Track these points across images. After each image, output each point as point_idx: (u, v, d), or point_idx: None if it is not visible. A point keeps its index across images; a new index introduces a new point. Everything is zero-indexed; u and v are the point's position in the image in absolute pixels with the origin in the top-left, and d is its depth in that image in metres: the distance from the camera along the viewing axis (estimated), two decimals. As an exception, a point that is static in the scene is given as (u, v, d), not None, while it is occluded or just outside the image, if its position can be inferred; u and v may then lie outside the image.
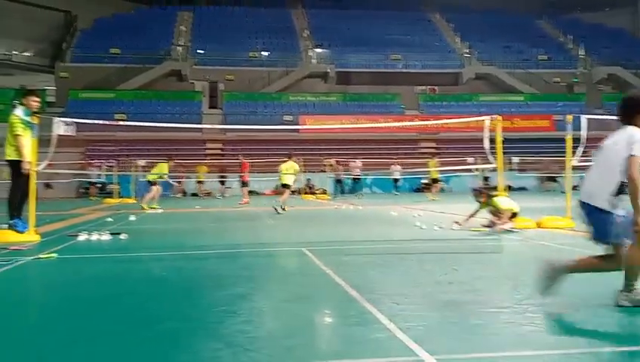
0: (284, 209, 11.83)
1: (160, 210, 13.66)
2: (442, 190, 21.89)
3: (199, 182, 23.18)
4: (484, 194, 8.03)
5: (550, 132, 29.99)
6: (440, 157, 23.89)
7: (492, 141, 8.22)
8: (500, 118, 8.17)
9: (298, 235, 7.57)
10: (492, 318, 3.05)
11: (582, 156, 8.17)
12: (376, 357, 2.40)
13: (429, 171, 19.31)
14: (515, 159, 18.84)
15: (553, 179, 24.18)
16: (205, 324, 2.99)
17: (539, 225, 7.87)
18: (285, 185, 12.85)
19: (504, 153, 8.52)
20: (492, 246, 6.41)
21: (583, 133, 8.08)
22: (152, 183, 15.30)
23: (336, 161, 23.02)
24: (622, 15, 42.49)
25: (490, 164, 8.25)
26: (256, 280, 4.32)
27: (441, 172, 19.51)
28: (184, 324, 2.99)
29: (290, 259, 5.32)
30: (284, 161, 13.21)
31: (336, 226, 9.20)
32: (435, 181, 19.49)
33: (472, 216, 8.02)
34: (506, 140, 8.82)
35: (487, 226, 7.88)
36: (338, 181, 22.71)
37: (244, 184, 18.19)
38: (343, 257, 5.44)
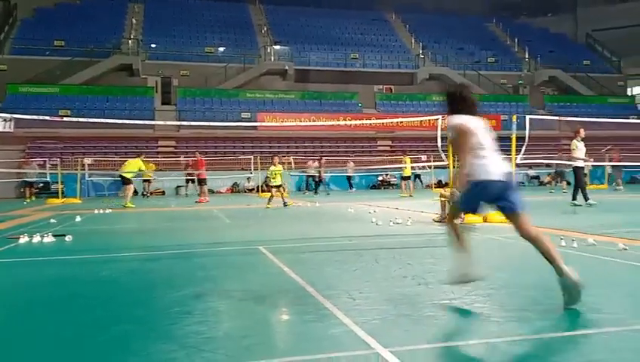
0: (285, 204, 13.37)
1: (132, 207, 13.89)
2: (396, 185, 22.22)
3: (146, 180, 22.37)
4: None
5: (497, 131, 30.99)
6: (397, 155, 24.29)
7: (444, 139, 8.43)
8: (451, 116, 8.39)
9: (255, 233, 7.51)
10: (442, 310, 3.14)
11: (525, 153, 8.56)
12: (333, 352, 2.43)
13: (403, 168, 19.62)
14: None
15: None
16: (158, 326, 2.94)
17: (485, 220, 8.16)
18: (275, 186, 13.95)
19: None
20: (443, 240, 6.56)
21: (527, 132, 8.46)
22: (126, 181, 15.02)
23: (320, 158, 22.87)
24: (564, 21, 44.59)
25: (442, 161, 8.46)
26: (211, 279, 4.26)
27: (395, 169, 19.90)
28: (136, 327, 2.92)
29: (247, 258, 5.27)
30: (271, 162, 14.31)
31: (294, 224, 9.20)
32: (406, 178, 19.75)
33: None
34: (457, 138, 9.09)
35: (439, 221, 8.16)
36: (311, 177, 22.64)
37: (201, 182, 17.88)
38: (300, 255, 5.45)
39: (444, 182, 25.08)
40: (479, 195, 3.38)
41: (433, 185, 24.40)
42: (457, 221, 3.66)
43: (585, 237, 5.76)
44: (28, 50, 29.88)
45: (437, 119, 8.67)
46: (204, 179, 17.84)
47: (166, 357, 2.41)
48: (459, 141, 3.41)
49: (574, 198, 11.13)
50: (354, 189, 23.50)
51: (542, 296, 3.45)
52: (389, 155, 27.85)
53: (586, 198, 11.04)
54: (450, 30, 39.78)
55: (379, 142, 30.88)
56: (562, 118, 12.62)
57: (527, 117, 8.73)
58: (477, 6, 44.06)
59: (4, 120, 6.75)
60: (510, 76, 37.10)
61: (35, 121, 9.52)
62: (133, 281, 4.35)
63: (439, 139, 8.38)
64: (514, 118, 8.41)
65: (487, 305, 3.24)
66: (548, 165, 21.89)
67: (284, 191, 14.30)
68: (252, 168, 22.78)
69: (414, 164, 21.62)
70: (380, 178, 28.07)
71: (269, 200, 13.59)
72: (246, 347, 2.54)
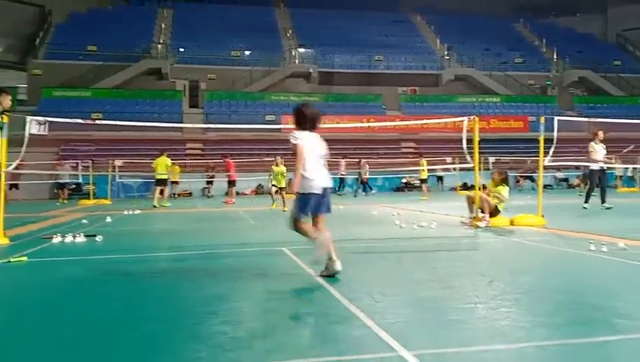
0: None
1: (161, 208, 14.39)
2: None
3: (174, 182, 22.80)
4: (504, 174, 8.34)
5: (524, 132, 30.61)
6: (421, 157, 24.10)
7: (469, 141, 8.35)
8: (477, 118, 8.31)
9: (278, 235, 7.55)
10: (468, 314, 3.10)
11: (553, 155, 8.42)
12: (356, 354, 2.43)
13: (419, 171, 19.46)
14: (491, 159, 19.16)
15: (531, 178, 24.71)
16: (184, 325, 2.97)
17: (512, 223, 8.05)
18: (282, 188, 13.54)
19: (481, 153, 8.67)
20: (468, 244, 6.51)
21: (555, 133, 8.32)
22: (161, 182, 15.49)
23: (359, 160, 22.72)
24: (592, 21, 43.60)
25: (468, 163, 8.37)
26: (235, 280, 4.31)
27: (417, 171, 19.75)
28: (163, 326, 2.97)
29: (271, 259, 5.31)
30: (275, 163, 13.89)
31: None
32: (423, 181, 19.56)
33: (473, 211, 8.25)
34: (482, 140, 9.00)
35: (465, 223, 8.11)
36: (358, 179, 22.37)
37: (230, 183, 18.14)
38: (323, 256, 5.45)
39: (469, 185, 24.79)
40: (307, 203, 4.16)
41: (458, 188, 24.13)
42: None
43: (615, 242, 5.62)
44: (62, 54, 30.72)
45: (462, 121, 8.57)
46: (234, 180, 18.10)
47: (192, 357, 2.44)
48: (295, 155, 4.16)
49: (586, 201, 11.02)
50: (373, 191, 23.43)
51: (570, 301, 3.39)
52: (413, 157, 27.65)
53: (602, 201, 10.88)
54: (476, 31, 39.30)
55: (403, 144, 30.70)
56: (592, 120, 12.32)
57: (556, 118, 8.56)
58: (503, 6, 43.46)
59: (39, 123, 6.92)
60: (538, 77, 36.44)
61: (68, 124, 9.82)
62: (160, 281, 4.43)
63: (464, 141, 8.28)
64: (542, 119, 8.26)
65: (514, 309, 3.20)
66: (577, 167, 21.42)
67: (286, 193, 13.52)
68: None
69: (438, 166, 21.43)
70: (404, 180, 27.90)
71: (273, 201, 13.67)
72: (270, 348, 2.56)
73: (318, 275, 4.16)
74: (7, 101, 6.99)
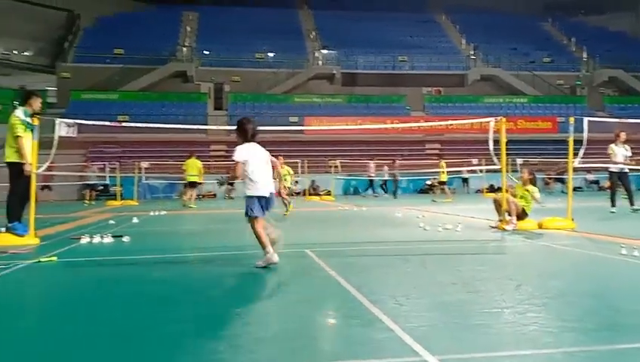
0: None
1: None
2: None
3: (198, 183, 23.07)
4: (532, 173, 8.22)
5: (553, 134, 30.02)
6: (445, 159, 23.84)
7: (496, 142, 8.21)
8: (504, 119, 8.17)
9: (301, 237, 7.57)
10: (494, 318, 3.05)
11: (583, 157, 8.22)
12: (380, 358, 2.40)
13: (439, 173, 19.25)
14: (519, 160, 18.83)
15: (562, 181, 24.23)
16: (208, 326, 3.00)
17: (540, 226, 7.89)
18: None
19: (508, 154, 8.52)
20: (495, 247, 6.40)
21: (585, 135, 8.12)
22: (192, 184, 15.83)
23: (393, 161, 22.53)
24: (624, 18, 42.45)
25: (494, 165, 8.23)
26: (259, 281, 4.33)
27: (448, 173, 19.48)
28: (187, 326, 2.99)
29: (294, 261, 5.31)
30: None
31: (340, 228, 9.20)
32: (442, 183, 19.33)
33: (500, 213, 8.14)
34: (509, 141, 8.84)
35: (494, 227, 8.00)
36: (394, 181, 22.15)
37: None
38: (346, 258, 5.44)
39: (496, 187, 24.41)
40: (256, 204, 4.79)
41: (485, 190, 23.80)
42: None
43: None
44: (90, 58, 31.46)
45: (489, 121, 8.43)
46: None
47: (216, 357, 2.45)
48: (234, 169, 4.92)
49: (613, 205, 10.85)
50: (376, 193, 23.37)
51: (600, 306, 3.30)
52: (438, 159, 27.39)
53: (631, 203, 10.67)
54: (503, 30, 38.74)
55: (427, 146, 30.44)
56: (623, 120, 11.98)
57: (586, 119, 8.34)
58: (530, 5, 42.72)
59: (68, 125, 7.08)
60: (567, 77, 35.69)
61: (96, 127, 10.00)
62: (185, 281, 4.47)
63: (491, 142, 8.14)
64: (571, 120, 8.07)
65: (542, 314, 3.12)
66: (608, 169, 20.89)
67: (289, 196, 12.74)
68: (299, 172, 22.96)
69: (463, 168, 21.14)
70: (429, 182, 27.64)
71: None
72: (293, 349, 2.56)
73: (255, 266, 4.76)
74: (37, 104, 7.17)
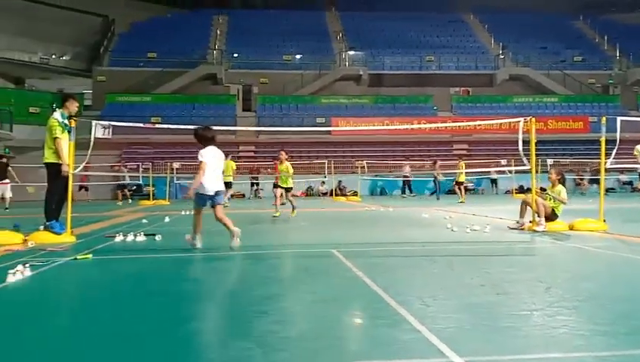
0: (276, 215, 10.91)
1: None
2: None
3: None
4: (560, 173, 8.12)
5: (584, 133, 29.31)
6: (473, 159, 23.55)
7: (526, 142, 8.09)
8: (533, 119, 8.04)
9: (328, 237, 7.60)
10: (522, 320, 3.01)
11: (616, 158, 8.03)
12: (406, 359, 2.41)
13: (457, 174, 18.98)
14: (549, 161, 18.45)
15: (596, 181, 23.63)
16: (235, 324, 3.05)
17: (571, 228, 7.74)
18: (287, 188, 11.61)
19: (538, 155, 8.38)
20: (524, 248, 6.31)
21: (618, 134, 7.93)
22: (227, 185, 16.25)
23: (434, 162, 22.34)
24: (657, 15, 41.15)
25: (524, 165, 8.11)
26: (285, 280, 4.38)
27: (477, 173, 19.19)
28: (215, 323, 3.06)
29: (320, 261, 5.35)
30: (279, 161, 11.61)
31: (367, 228, 9.20)
32: (460, 183, 18.95)
33: (522, 215, 8.06)
34: (539, 142, 8.70)
35: (514, 228, 7.92)
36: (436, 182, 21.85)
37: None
38: (373, 259, 5.45)
39: (525, 188, 23.98)
40: (201, 199, 6.06)
41: (514, 191, 23.40)
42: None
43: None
44: (124, 62, 32.25)
45: (518, 121, 8.30)
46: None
47: (243, 355, 2.49)
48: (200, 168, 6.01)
49: None
50: (413, 193, 23.16)
51: (632, 310, 3.23)
52: (466, 159, 27.05)
53: None
54: (532, 29, 37.98)
55: (455, 146, 30.11)
56: (659, 120, 11.63)
57: (618, 118, 8.14)
58: (561, 3, 41.71)
59: (104, 127, 7.29)
60: (599, 75, 34.77)
61: (130, 128, 10.27)
62: (213, 279, 4.56)
63: (520, 143, 8.02)
64: (603, 119, 7.89)
65: (573, 317, 3.07)
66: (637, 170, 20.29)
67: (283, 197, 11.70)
68: (326, 172, 23.02)
69: (492, 169, 20.83)
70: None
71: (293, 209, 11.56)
72: (320, 348, 2.58)
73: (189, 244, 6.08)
74: (73, 107, 7.40)
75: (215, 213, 6.11)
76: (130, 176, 22.23)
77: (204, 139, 6.24)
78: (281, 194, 11.67)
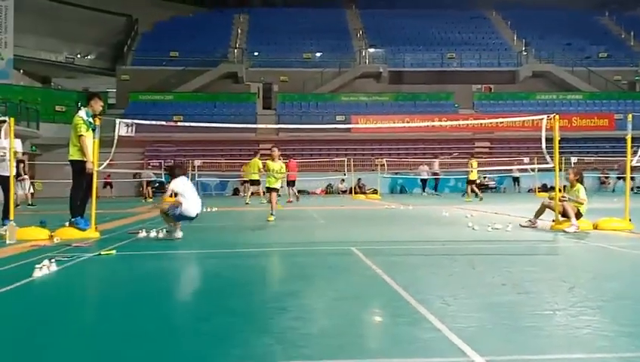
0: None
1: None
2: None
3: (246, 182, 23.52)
4: (578, 173, 8.01)
5: (609, 131, 28.71)
6: (495, 157, 23.25)
7: (549, 140, 7.96)
8: (557, 116, 7.91)
9: (347, 235, 7.60)
10: (545, 320, 2.98)
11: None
12: (426, 357, 2.41)
13: (468, 172, 18.67)
14: (573, 159, 18.09)
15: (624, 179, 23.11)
16: (256, 320, 3.07)
17: (596, 227, 7.60)
18: (274, 189, 10.32)
19: (561, 153, 8.24)
20: (547, 248, 6.22)
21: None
22: (254, 182, 16.59)
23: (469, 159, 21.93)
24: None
25: (547, 163, 7.98)
26: (306, 278, 4.39)
27: (498, 171, 18.90)
28: (237, 319, 3.08)
29: (340, 258, 5.36)
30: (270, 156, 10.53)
31: (387, 226, 9.17)
32: (472, 182, 18.63)
33: (538, 215, 7.96)
34: (563, 139, 8.55)
35: (525, 226, 7.86)
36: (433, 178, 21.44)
37: (289, 183, 18.58)
38: (393, 257, 5.44)
39: (548, 186, 23.58)
40: (182, 219, 7.17)
41: (537, 189, 23.04)
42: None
43: None
44: (147, 61, 32.72)
45: (541, 119, 8.17)
46: (293, 181, 18.55)
47: (264, 351, 2.51)
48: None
49: None
50: (427, 192, 22.95)
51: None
52: (488, 157, 26.74)
53: None
54: (556, 25, 37.29)
55: (476, 144, 29.78)
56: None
57: (645, 116, 7.98)
58: (585, -1, 40.86)
59: (127, 125, 7.40)
60: (625, 72, 34.00)
61: (153, 126, 10.39)
62: (234, 276, 4.61)
63: (543, 140, 7.89)
64: (629, 116, 7.74)
65: (597, 317, 3.02)
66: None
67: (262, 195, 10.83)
68: (345, 170, 23.01)
69: (514, 167, 20.55)
70: (478, 181, 27.00)
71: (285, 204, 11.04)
72: (340, 345, 2.59)
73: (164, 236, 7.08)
74: (98, 105, 7.53)
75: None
76: (154, 173, 22.53)
77: (176, 171, 7.49)
78: (264, 192, 10.51)
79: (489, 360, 2.33)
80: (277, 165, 10.13)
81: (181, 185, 7.26)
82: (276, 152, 10.18)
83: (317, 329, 2.90)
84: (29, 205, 16.85)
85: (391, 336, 2.80)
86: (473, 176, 18.36)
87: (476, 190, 18.35)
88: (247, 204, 16.20)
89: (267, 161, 10.38)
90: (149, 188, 22.27)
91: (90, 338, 2.80)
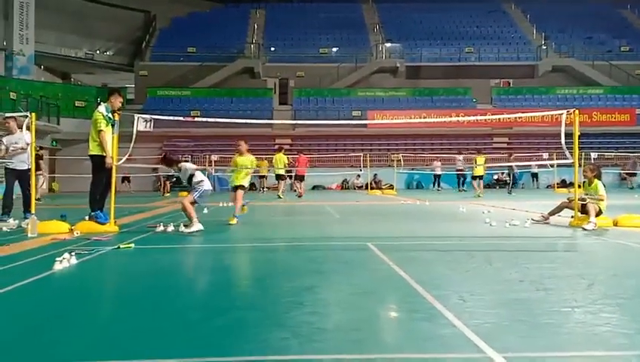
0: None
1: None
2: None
3: (261, 177, 23.69)
4: (595, 169, 7.91)
5: (631, 126, 28.16)
6: (514, 152, 22.92)
7: (569, 135, 7.84)
8: (577, 111, 7.78)
9: (363, 230, 7.59)
10: (563, 317, 2.95)
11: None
12: (442, 353, 2.40)
13: (473, 167, 18.41)
14: (593, 154, 17.75)
15: None
16: (272, 314, 3.08)
17: (615, 224, 7.47)
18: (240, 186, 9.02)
19: (581, 148, 8.12)
20: (566, 244, 6.14)
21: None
22: (281, 177, 16.93)
23: (509, 154, 21.19)
24: None
25: (567, 159, 7.87)
26: (322, 272, 4.40)
27: (518, 167, 18.60)
28: (252, 313, 3.10)
29: (356, 254, 5.36)
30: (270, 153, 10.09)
31: (403, 222, 9.14)
32: (477, 177, 18.20)
33: (553, 213, 7.88)
34: (583, 135, 8.43)
35: (537, 220, 7.78)
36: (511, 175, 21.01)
37: (298, 178, 18.68)
38: (409, 253, 5.41)
39: (567, 182, 23.25)
40: (206, 194, 7.66)
41: (555, 185, 22.73)
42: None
43: None
44: (165, 56, 33.01)
45: (561, 114, 8.05)
46: (302, 176, 18.66)
47: (280, 345, 2.52)
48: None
49: None
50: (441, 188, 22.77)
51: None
52: (506, 153, 26.42)
53: None
54: (577, 18, 36.61)
55: (495, 139, 29.47)
56: None
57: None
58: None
59: (145, 120, 7.47)
60: (647, 66, 33.26)
61: (171, 121, 10.46)
62: (250, 270, 4.64)
63: (563, 136, 7.77)
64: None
65: (617, 315, 2.98)
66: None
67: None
68: (361, 165, 22.96)
69: (533, 163, 20.27)
70: (495, 176, 26.77)
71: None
72: (355, 340, 2.59)
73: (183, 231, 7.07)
74: (117, 101, 7.62)
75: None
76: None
77: (172, 161, 7.94)
78: (234, 189, 9.11)
79: (506, 356, 2.31)
80: (247, 160, 9.16)
81: (190, 166, 7.69)
82: (244, 146, 9.16)
83: (333, 324, 2.90)
84: (36, 199, 17.13)
85: (407, 332, 2.79)
86: (479, 171, 18.02)
87: (475, 185, 18.05)
88: (279, 197, 16.46)
89: (235, 157, 9.37)
90: (167, 182, 22.48)
91: (108, 330, 2.84)
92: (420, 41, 34.82)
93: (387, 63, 33.45)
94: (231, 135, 27.01)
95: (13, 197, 8.80)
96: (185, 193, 13.66)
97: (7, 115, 9.60)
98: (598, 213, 7.63)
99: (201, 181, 7.49)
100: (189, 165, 7.74)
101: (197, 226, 7.10)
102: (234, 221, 8.41)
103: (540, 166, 22.28)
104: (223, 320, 2.98)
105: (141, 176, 23.57)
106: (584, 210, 7.62)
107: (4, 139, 8.98)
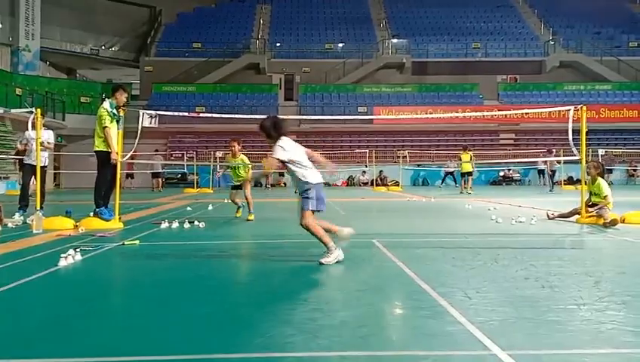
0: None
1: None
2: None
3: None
4: (599, 167, 7.84)
5: (639, 123, 27.94)
6: (520, 149, 22.84)
7: (576, 132, 7.79)
8: (584, 108, 7.72)
9: (369, 227, 7.58)
10: (569, 315, 2.93)
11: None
12: (448, 350, 2.39)
13: (459, 164, 18.18)
14: (601, 151, 17.60)
15: None
16: (277, 311, 3.08)
17: (623, 221, 7.42)
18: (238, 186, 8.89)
19: (589, 145, 8.06)
20: (572, 241, 6.11)
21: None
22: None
23: (548, 150, 20.53)
24: None
25: (574, 155, 7.82)
26: (327, 269, 4.39)
27: (524, 163, 18.44)
28: (257, 310, 3.10)
29: (361, 250, 5.35)
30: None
31: (409, 219, 9.11)
32: (467, 174, 17.89)
33: (564, 216, 7.86)
34: (591, 131, 8.37)
35: (551, 218, 7.76)
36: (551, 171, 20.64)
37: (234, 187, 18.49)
38: (415, 250, 5.40)
39: (575, 179, 23.13)
40: (322, 199, 4.83)
41: (563, 182, 22.62)
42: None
43: None
44: (170, 52, 33.02)
45: (568, 110, 7.99)
46: None
47: (285, 341, 2.53)
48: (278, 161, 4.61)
49: None
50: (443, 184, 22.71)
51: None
52: (513, 149, 26.33)
53: None
54: (585, 13, 36.28)
55: (501, 135, 29.35)
56: None
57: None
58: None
59: (151, 116, 7.47)
60: (656, 62, 32.95)
61: (176, 117, 10.48)
62: (254, 266, 4.64)
63: (570, 132, 7.71)
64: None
65: (623, 313, 2.96)
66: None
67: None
68: (367, 162, 22.92)
69: (539, 159, 20.17)
70: (502, 173, 26.67)
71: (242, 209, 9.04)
72: (361, 336, 2.59)
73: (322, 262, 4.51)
74: (122, 97, 7.62)
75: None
76: (162, 165, 22.50)
77: (279, 128, 4.68)
78: (234, 187, 8.98)
79: (511, 354, 2.30)
80: (239, 161, 8.68)
81: (290, 145, 4.67)
82: (236, 147, 8.59)
83: (338, 321, 2.89)
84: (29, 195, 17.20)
85: (412, 329, 2.79)
86: (467, 168, 17.78)
87: (462, 183, 17.85)
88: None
89: (227, 157, 9.03)
90: (159, 179, 22.11)
91: (113, 327, 2.85)
92: (427, 37, 34.66)
93: (393, 59, 33.32)
94: (236, 131, 27.05)
95: (29, 193, 8.86)
96: (191, 189, 13.55)
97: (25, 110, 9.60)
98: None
99: (307, 182, 4.68)
100: (284, 146, 4.61)
101: (336, 254, 4.55)
102: (252, 217, 8.50)
103: (546, 162, 22.11)
104: (229, 316, 2.99)
105: (145, 172, 23.61)
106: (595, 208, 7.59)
107: (26, 133, 9.03)
